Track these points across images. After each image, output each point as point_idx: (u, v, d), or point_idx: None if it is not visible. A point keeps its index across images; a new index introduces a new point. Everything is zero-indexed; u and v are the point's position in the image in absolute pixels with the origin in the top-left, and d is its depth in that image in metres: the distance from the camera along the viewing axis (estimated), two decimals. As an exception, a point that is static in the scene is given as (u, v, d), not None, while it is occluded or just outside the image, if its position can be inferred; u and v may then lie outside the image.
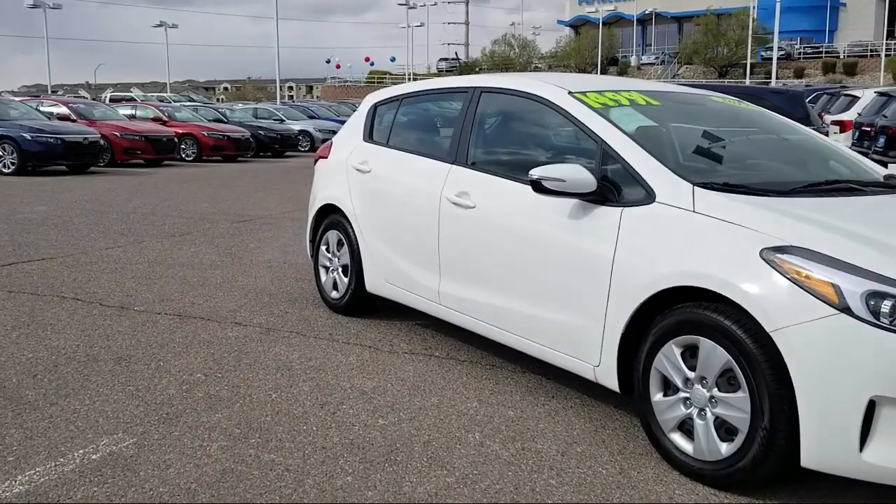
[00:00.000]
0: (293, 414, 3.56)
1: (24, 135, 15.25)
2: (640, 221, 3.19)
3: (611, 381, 3.29)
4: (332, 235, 5.27)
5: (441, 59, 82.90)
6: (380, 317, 5.18)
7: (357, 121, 5.36)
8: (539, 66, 72.29)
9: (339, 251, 5.23)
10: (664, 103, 4.13)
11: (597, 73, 62.31)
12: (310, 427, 3.42)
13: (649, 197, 3.21)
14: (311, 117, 28.87)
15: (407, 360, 4.33)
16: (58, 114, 18.32)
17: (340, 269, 5.22)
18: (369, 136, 5.16)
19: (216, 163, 20.66)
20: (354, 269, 5.02)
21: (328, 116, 30.14)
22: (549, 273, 3.54)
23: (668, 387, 3.04)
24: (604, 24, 65.73)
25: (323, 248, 5.40)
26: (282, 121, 26.48)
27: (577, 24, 77.26)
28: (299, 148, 25.38)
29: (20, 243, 7.75)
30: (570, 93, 3.81)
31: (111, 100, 34.90)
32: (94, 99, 37.11)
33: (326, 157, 5.50)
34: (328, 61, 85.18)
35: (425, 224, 4.33)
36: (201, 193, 12.84)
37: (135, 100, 33.70)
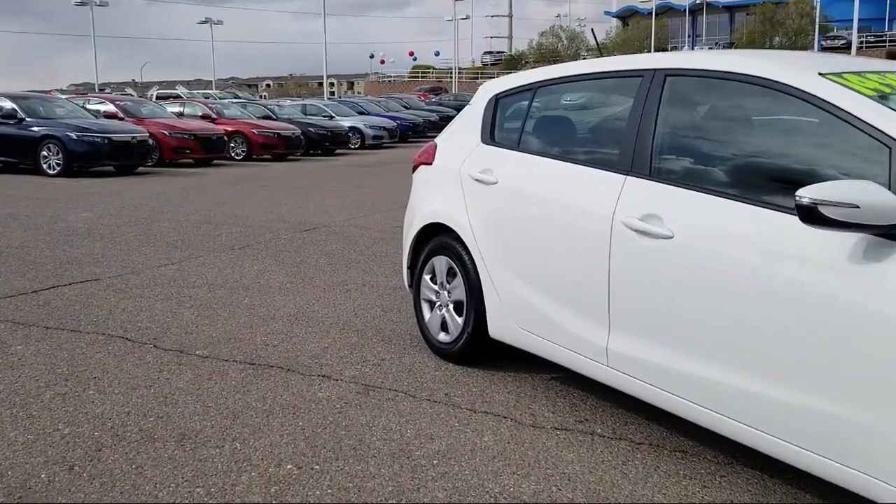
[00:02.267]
0: (432, 542, 2.47)
1: (70, 134, 14.49)
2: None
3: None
4: (440, 262, 4.18)
5: (486, 53, 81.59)
6: (503, 367, 4.08)
7: (471, 117, 4.25)
8: (587, 57, 70.47)
9: (449, 283, 4.13)
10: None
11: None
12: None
13: None
14: (361, 113, 27.91)
15: (562, 442, 3.21)
16: (105, 112, 17.60)
17: (452, 306, 4.12)
18: (490, 136, 4.05)
19: (266, 162, 19.80)
20: (473, 307, 3.92)
21: (377, 112, 29.19)
22: (814, 344, 2.39)
23: None
24: (651, 14, 63.66)
25: (426, 277, 4.31)
26: (331, 117, 25.56)
27: (625, 15, 75.29)
28: (349, 146, 24.44)
29: (62, 260, 6.81)
30: (821, 74, 2.64)
31: (157, 97, 34.43)
32: (140, 96, 36.71)
33: (430, 163, 4.40)
34: (372, 56, 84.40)
35: (587, 256, 3.20)
36: (256, 197, 11.89)
37: (181, 97, 33.17)
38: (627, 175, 3.12)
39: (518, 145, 3.85)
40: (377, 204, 11.12)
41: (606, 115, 3.60)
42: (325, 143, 22.60)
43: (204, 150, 17.73)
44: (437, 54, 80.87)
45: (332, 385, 3.82)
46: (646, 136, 3.11)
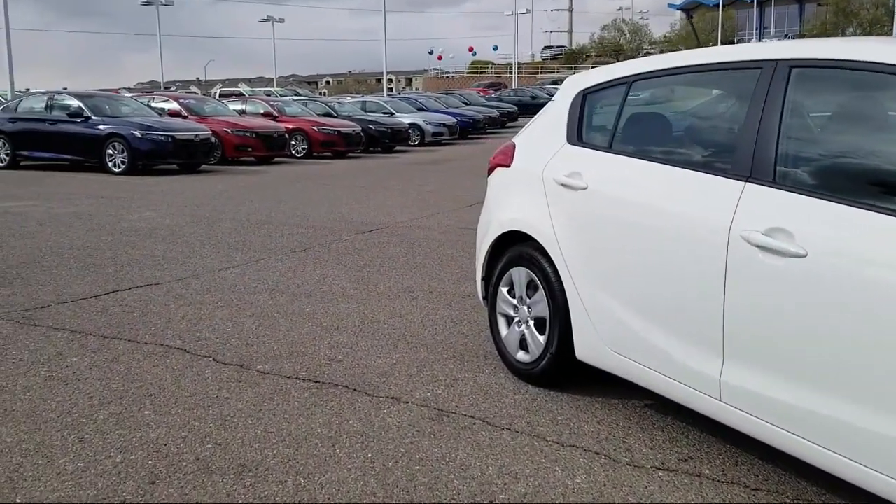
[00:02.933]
0: None
1: (135, 132, 14.57)
2: None
3: None
4: (520, 275, 3.81)
5: (545, 48, 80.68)
6: (589, 390, 3.69)
7: (554, 115, 3.87)
8: (651, 51, 69.00)
9: (530, 297, 3.77)
10: None
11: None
12: None
13: None
14: (420, 109, 27.65)
15: (666, 485, 2.81)
16: (169, 110, 17.71)
17: (533, 323, 3.75)
18: (578, 136, 3.66)
19: (326, 159, 19.70)
20: (557, 326, 3.54)
21: (437, 108, 28.90)
22: None
23: None
24: (717, 6, 61.88)
25: (503, 290, 3.95)
26: (391, 114, 25.37)
27: (689, 8, 73.46)
28: (409, 143, 24.19)
29: (123, 262, 6.67)
30: None
31: (220, 95, 34.84)
32: (204, 94, 37.24)
33: (507, 165, 4.04)
34: (431, 52, 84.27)
35: (697, 274, 2.80)
36: (316, 195, 11.71)
37: (243, 94, 33.47)
38: (747, 181, 2.70)
39: (610, 146, 3.45)
40: (439, 203, 10.81)
41: (717, 113, 3.18)
42: (384, 140, 22.41)
43: (265, 147, 17.70)
44: (495, 49, 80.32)
45: (403, 409, 3.49)
46: (768, 137, 2.69)
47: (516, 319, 3.88)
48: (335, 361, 4.14)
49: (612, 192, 3.28)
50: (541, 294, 3.66)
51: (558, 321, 3.55)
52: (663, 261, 2.97)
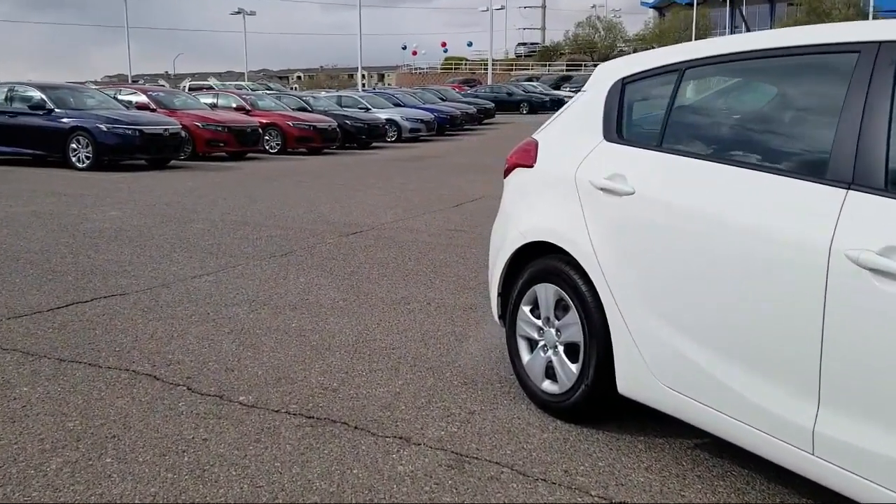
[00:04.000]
0: None
1: (100, 126, 13.81)
2: None
3: None
4: (546, 292, 3.30)
5: (519, 44, 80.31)
6: (626, 427, 3.20)
7: (585, 107, 3.36)
8: (625, 49, 68.96)
9: (559, 318, 3.26)
10: None
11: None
12: None
13: None
14: (397, 105, 27.04)
15: (746, 557, 2.32)
16: (137, 103, 16.93)
17: (563, 349, 3.24)
18: (617, 132, 3.16)
19: (301, 155, 19.05)
20: (595, 353, 3.04)
21: (414, 104, 28.31)
22: None
23: None
24: (691, 5, 61.90)
25: (525, 309, 3.44)
26: (367, 109, 24.74)
27: (662, 6, 73.61)
28: (386, 139, 23.58)
29: (85, 269, 6.05)
30: None
31: (190, 88, 33.87)
32: (173, 88, 36.19)
33: (529, 166, 3.52)
34: (404, 47, 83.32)
35: (785, 299, 2.31)
36: (294, 194, 11.10)
37: (213, 88, 32.57)
38: (849, 189, 2.21)
39: (660, 143, 2.95)
40: (424, 203, 10.28)
41: (800, 106, 2.69)
42: (361, 136, 21.81)
43: (238, 143, 17.01)
44: (469, 45, 79.66)
45: (415, 453, 2.96)
46: (875, 136, 2.21)
47: (541, 344, 3.37)
48: (329, 390, 3.60)
49: (667, 198, 2.77)
50: (573, 316, 3.16)
51: (595, 348, 3.04)
52: (739, 283, 2.47)
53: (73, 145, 13.92)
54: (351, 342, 4.34)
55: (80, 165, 13.90)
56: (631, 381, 2.93)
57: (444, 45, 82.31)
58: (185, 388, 3.59)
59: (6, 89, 15.08)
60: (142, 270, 6.03)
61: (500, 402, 3.49)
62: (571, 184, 3.19)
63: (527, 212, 3.45)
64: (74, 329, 4.47)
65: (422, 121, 25.30)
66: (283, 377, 3.76)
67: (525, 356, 3.46)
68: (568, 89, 50.55)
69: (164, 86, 42.12)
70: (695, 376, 2.65)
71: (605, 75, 3.35)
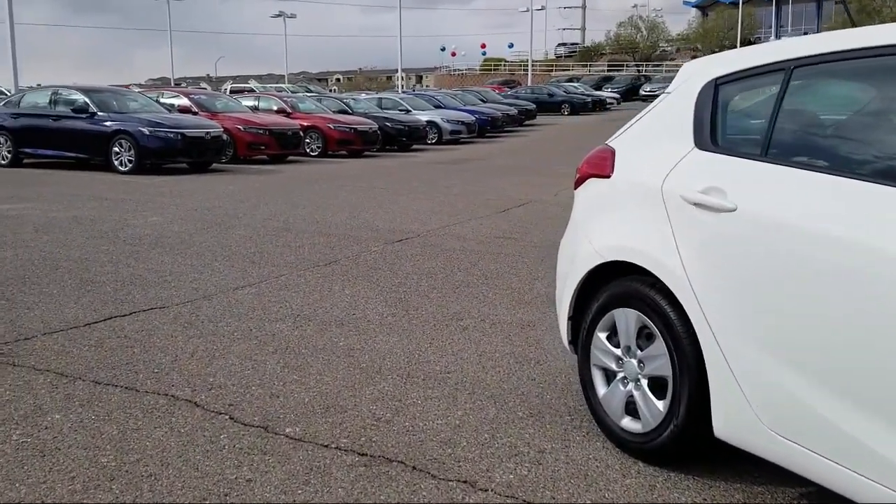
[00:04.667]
0: None
1: (142, 129, 13.75)
2: None
3: None
4: (627, 318, 2.94)
5: (559, 45, 79.55)
6: (718, 471, 2.83)
7: (673, 111, 3.00)
8: (667, 49, 67.90)
9: (642, 348, 2.90)
10: None
11: (732, 56, 57.79)
12: None
13: None
14: (437, 107, 26.76)
15: None
16: (179, 105, 16.90)
17: (646, 383, 2.89)
18: (711, 139, 2.79)
19: (342, 158, 18.85)
20: (686, 389, 2.68)
21: (455, 106, 28.00)
22: None
23: None
24: (735, 4, 60.66)
25: (601, 336, 3.08)
26: (408, 111, 24.50)
27: (705, 6, 72.26)
28: (427, 141, 23.32)
29: (124, 278, 5.84)
30: None
31: (231, 91, 34.03)
32: (214, 90, 36.43)
33: (605, 176, 3.17)
34: (443, 49, 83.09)
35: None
36: (336, 199, 10.86)
37: (254, 91, 32.64)
38: None
39: (765, 153, 2.58)
40: (469, 208, 9.95)
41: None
42: (401, 138, 21.56)
43: (279, 145, 16.88)
44: (510, 46, 79.10)
45: (483, 501, 2.63)
46: None
47: (620, 376, 3.01)
48: (383, 421, 3.28)
49: (780, 217, 2.40)
50: (660, 346, 2.80)
51: (687, 384, 2.68)
52: (872, 317, 2.09)
53: (116, 149, 13.88)
54: (403, 364, 4.02)
55: (122, 169, 13.85)
56: (730, 423, 2.56)
57: (483, 46, 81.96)
58: (227, 416, 3.31)
59: (50, 92, 15.15)
60: (182, 280, 5.80)
61: (572, 438, 3.14)
62: (657, 197, 2.83)
63: (603, 227, 3.10)
64: (112, 347, 4.23)
65: (462, 122, 24.97)
66: (332, 405, 3.45)
67: (601, 389, 3.11)
68: (610, 90, 49.94)
69: (205, 88, 42.45)
70: (810, 422, 2.27)
71: (694, 75, 2.98)
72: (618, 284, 3.00)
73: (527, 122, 32.60)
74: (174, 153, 14.04)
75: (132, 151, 13.76)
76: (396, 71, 49.68)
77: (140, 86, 49.08)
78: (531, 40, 57.36)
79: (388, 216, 9.24)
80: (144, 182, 12.56)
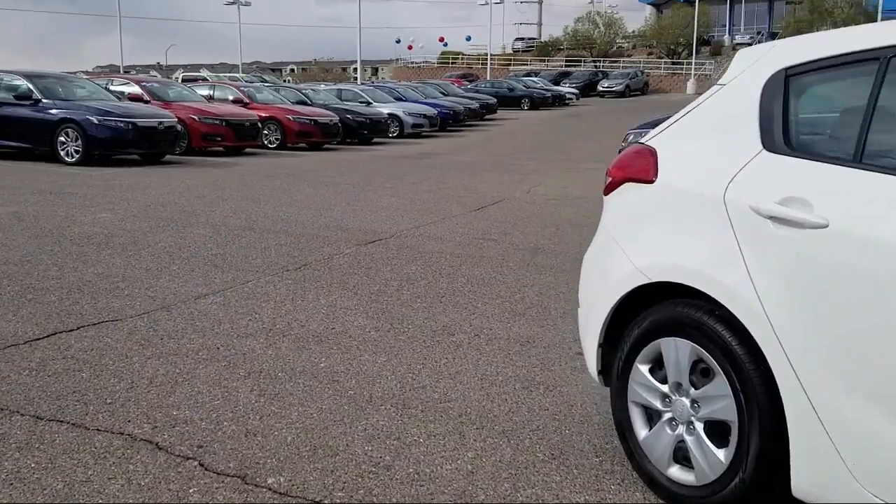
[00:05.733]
0: None
1: (91, 118, 12.91)
2: None
3: None
4: (677, 350, 2.50)
5: (517, 39, 79.29)
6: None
7: (731, 105, 2.57)
8: (623, 45, 68.19)
9: (697, 386, 2.47)
10: None
11: (689, 53, 58.36)
12: None
13: None
14: (398, 99, 26.19)
15: None
16: (129, 93, 16.00)
17: (701, 428, 2.45)
18: (785, 139, 2.36)
19: (301, 151, 18.17)
20: (757, 439, 2.25)
21: (415, 99, 27.45)
22: None
23: None
24: (690, 2, 61.14)
25: (642, 368, 2.64)
26: (368, 103, 23.86)
27: (661, 3, 72.82)
28: (388, 134, 22.71)
29: (71, 285, 5.22)
30: None
31: (184, 80, 32.87)
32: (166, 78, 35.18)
33: (646, 181, 2.72)
34: (398, 41, 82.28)
35: None
36: (299, 194, 10.27)
37: (207, 80, 31.58)
38: None
39: (859, 157, 2.15)
40: (441, 206, 9.47)
41: None
42: (362, 131, 20.91)
43: (236, 137, 16.14)
44: (468, 39, 78.65)
45: (518, 578, 2.16)
46: None
47: (667, 416, 2.57)
48: (382, 467, 2.79)
49: (885, 237, 1.97)
50: (720, 385, 2.36)
51: (757, 431, 2.25)
52: None
53: (62, 138, 13.02)
54: (395, 391, 3.53)
55: (68, 160, 13.00)
56: (813, 478, 2.14)
57: (441, 39, 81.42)
58: (195, 462, 2.78)
59: (-10, 78, 14.16)
60: (137, 288, 5.20)
61: (607, 488, 2.69)
62: (719, 208, 2.39)
63: (647, 242, 2.65)
64: (56, 371, 3.65)
65: (424, 116, 24.44)
66: (320, 445, 2.95)
67: (640, 430, 2.67)
68: (568, 85, 49.79)
69: (156, 76, 41.00)
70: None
71: (755, 65, 2.55)
72: (665, 309, 2.56)
73: (487, 116, 32.20)
74: (125, 144, 13.24)
75: (79, 141, 12.93)
76: (352, 62, 48.91)
77: (87, 73, 47.26)
78: (490, 34, 57.07)
79: (357, 214, 8.71)
80: (93, 174, 11.77)
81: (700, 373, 2.46)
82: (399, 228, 7.87)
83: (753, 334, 2.25)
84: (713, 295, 2.37)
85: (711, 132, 2.60)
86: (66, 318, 4.46)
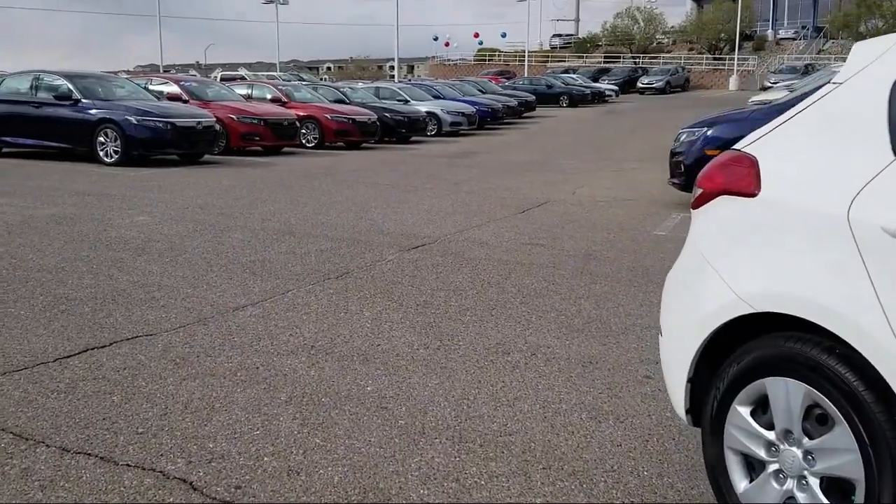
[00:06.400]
0: None
1: (129, 118, 12.83)
2: None
3: None
4: (787, 392, 2.15)
5: (554, 36, 78.52)
6: None
7: (851, 108, 2.21)
8: (662, 41, 67.08)
9: (812, 435, 2.11)
10: None
11: (731, 49, 57.15)
12: None
13: None
14: (436, 97, 25.89)
15: None
16: (168, 93, 15.95)
17: (817, 483, 2.09)
18: (927, 149, 1.99)
19: (339, 150, 17.98)
20: (890, 499, 1.88)
21: (454, 96, 27.13)
22: None
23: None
24: (736, -6, 59.86)
25: (741, 410, 2.29)
26: (406, 101, 23.60)
27: (702, -2, 71.49)
28: (426, 132, 22.43)
29: (105, 294, 5.00)
30: None
31: (222, 78, 32.97)
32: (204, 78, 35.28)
33: (749, 194, 2.36)
34: (436, 38, 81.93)
35: None
36: (339, 195, 10.02)
37: (245, 79, 31.60)
38: None
39: None
40: (485, 209, 9.14)
41: None
42: (400, 129, 20.65)
43: (274, 136, 16.00)
44: (503, 36, 78.01)
45: None
46: None
47: (773, 468, 2.22)
48: (442, 516, 2.48)
49: None
50: (842, 435, 2.01)
51: (891, 491, 1.89)
52: None
53: (101, 138, 12.97)
54: (450, 421, 3.22)
55: (107, 160, 12.95)
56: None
57: (476, 36, 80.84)
58: (234, 507, 2.50)
59: (31, 78, 14.18)
60: (173, 298, 4.97)
61: (700, 546, 2.35)
62: (841, 227, 2.03)
63: (750, 266, 2.29)
64: (86, 393, 3.40)
65: (463, 114, 24.11)
66: (371, 487, 2.65)
67: (740, 481, 2.31)
68: (607, 82, 48.99)
69: (195, 76, 41.29)
70: None
71: (878, 62, 2.18)
72: (771, 344, 2.21)
73: (526, 114, 31.76)
74: (163, 144, 13.14)
75: (118, 141, 12.86)
76: (387, 60, 48.73)
77: (128, 72, 47.83)
78: (528, 30, 56.48)
79: (398, 217, 8.42)
80: (131, 175, 11.67)
81: (816, 419, 2.10)
82: (442, 232, 7.57)
83: (886, 377, 1.89)
84: (836, 331, 2.01)
85: (827, 138, 2.24)
86: (99, 333, 4.23)
